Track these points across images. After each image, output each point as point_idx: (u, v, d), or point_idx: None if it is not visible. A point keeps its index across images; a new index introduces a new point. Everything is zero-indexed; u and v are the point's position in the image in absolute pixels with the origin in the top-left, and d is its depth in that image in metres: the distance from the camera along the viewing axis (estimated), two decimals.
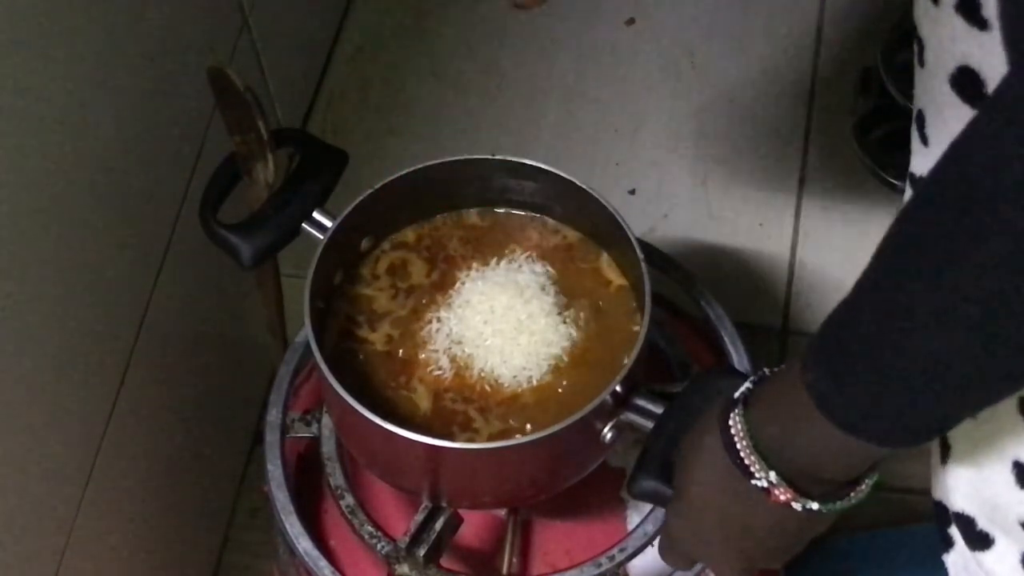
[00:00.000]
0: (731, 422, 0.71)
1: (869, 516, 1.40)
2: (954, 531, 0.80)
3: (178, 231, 1.14)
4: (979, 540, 0.78)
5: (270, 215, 0.95)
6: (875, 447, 0.65)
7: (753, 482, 0.70)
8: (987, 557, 0.78)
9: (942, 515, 0.81)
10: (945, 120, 0.93)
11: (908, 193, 0.99)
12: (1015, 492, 0.73)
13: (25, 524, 0.97)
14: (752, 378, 0.72)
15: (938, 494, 0.81)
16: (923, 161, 0.98)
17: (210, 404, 1.29)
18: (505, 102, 1.61)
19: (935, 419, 0.63)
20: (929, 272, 0.56)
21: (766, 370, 0.73)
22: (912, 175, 0.99)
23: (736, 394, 0.72)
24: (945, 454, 0.78)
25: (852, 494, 0.72)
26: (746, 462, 0.70)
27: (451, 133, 1.57)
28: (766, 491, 0.70)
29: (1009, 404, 0.72)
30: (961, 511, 0.78)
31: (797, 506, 0.71)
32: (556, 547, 1.00)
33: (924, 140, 0.94)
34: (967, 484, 0.77)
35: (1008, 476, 0.73)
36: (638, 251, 0.89)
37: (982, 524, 0.77)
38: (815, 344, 0.64)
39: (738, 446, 0.71)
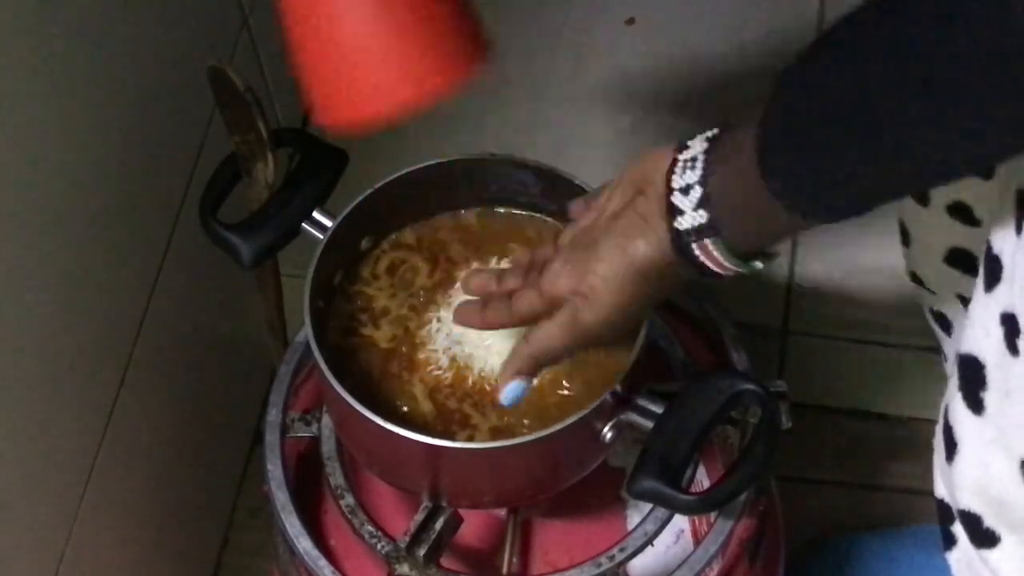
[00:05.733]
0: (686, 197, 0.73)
1: (869, 516, 1.40)
2: (958, 528, 0.80)
3: (178, 231, 1.14)
4: (985, 538, 0.78)
5: (270, 215, 0.95)
6: (802, 223, 0.69)
7: (696, 251, 0.73)
8: (993, 555, 0.78)
9: (945, 513, 0.81)
10: None
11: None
12: (1023, 490, 0.74)
13: (25, 524, 0.97)
14: (696, 193, 0.73)
15: (941, 492, 0.81)
16: None
17: (210, 404, 1.29)
18: (505, 102, 1.61)
19: (868, 199, 0.67)
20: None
21: (706, 149, 0.73)
22: None
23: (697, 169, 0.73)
24: (951, 453, 0.78)
25: (748, 264, 0.75)
26: (717, 266, 0.74)
27: (451, 133, 1.57)
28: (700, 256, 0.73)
29: (1020, 403, 0.72)
30: (967, 509, 0.78)
31: (736, 271, 0.74)
32: (556, 547, 1.00)
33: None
34: (974, 483, 0.77)
35: (1017, 475, 0.73)
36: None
37: (989, 522, 0.77)
38: (774, 144, 0.68)
39: (710, 255, 0.73)
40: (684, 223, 0.73)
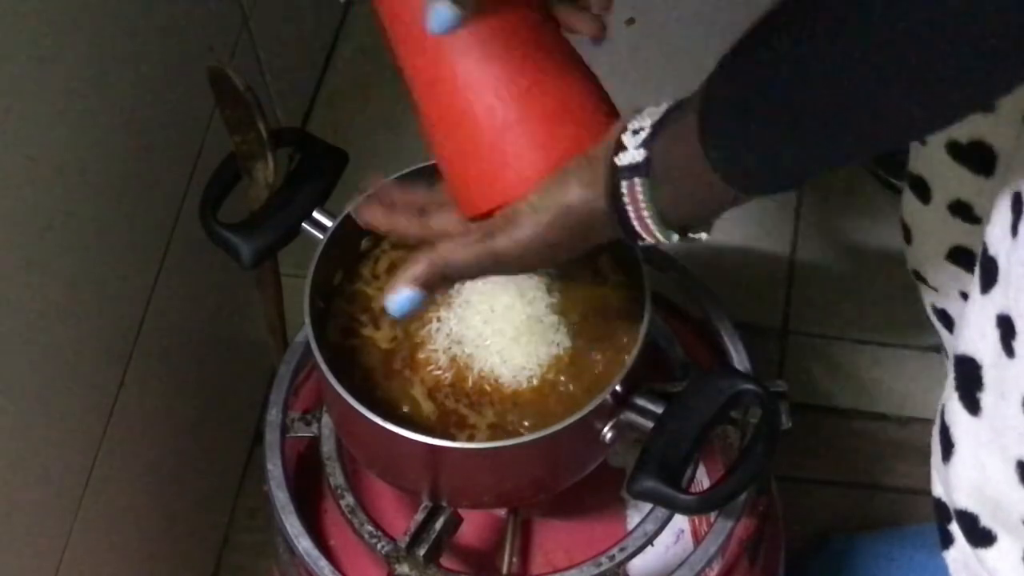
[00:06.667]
0: (631, 183, 0.73)
1: (869, 516, 1.40)
2: (955, 528, 0.80)
3: (178, 231, 1.14)
4: (981, 537, 0.78)
5: (270, 215, 0.95)
6: (742, 196, 0.70)
7: (632, 218, 0.74)
8: (989, 554, 0.78)
9: (942, 512, 0.81)
10: None
11: (907, 193, 0.99)
12: (1019, 491, 0.74)
13: (25, 524, 0.97)
14: (644, 133, 0.73)
15: (938, 492, 0.81)
16: (921, 159, 0.98)
17: (210, 404, 1.29)
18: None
19: (802, 171, 0.69)
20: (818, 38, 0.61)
21: (671, 105, 0.74)
22: (910, 174, 0.99)
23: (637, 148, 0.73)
24: (947, 453, 0.78)
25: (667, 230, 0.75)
26: (639, 222, 0.74)
27: None
28: (633, 221, 0.74)
29: (1015, 404, 0.72)
30: (964, 509, 0.78)
31: (655, 237, 0.74)
32: (556, 547, 1.00)
33: (922, 140, 0.94)
34: (970, 483, 0.77)
35: (1012, 476, 0.73)
36: (638, 251, 0.90)
37: (985, 521, 0.77)
38: (712, 122, 0.69)
39: (636, 204, 0.73)
40: (623, 159, 0.73)
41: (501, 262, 0.78)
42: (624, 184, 0.73)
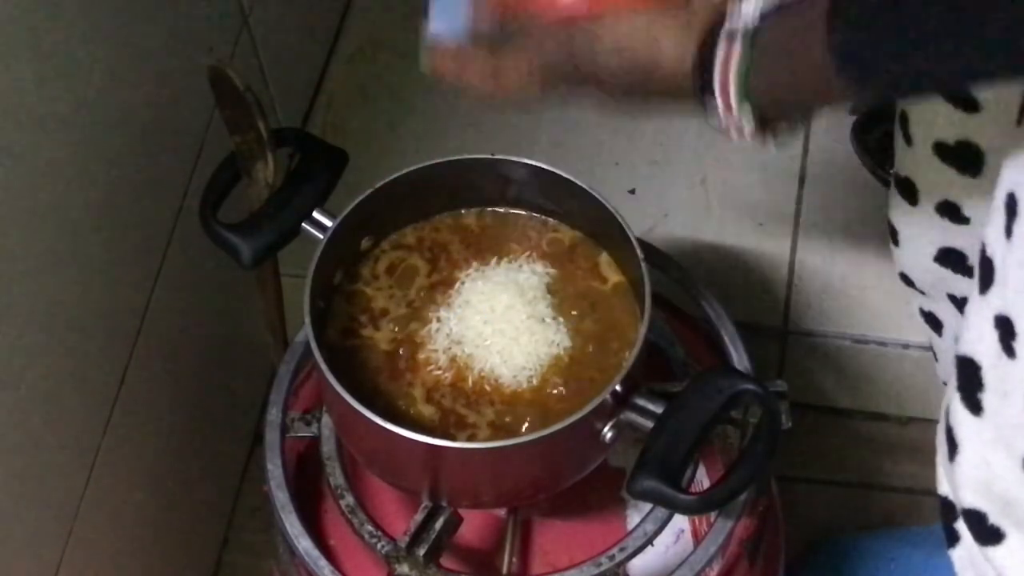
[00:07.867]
0: (727, 47, 0.69)
1: (869, 516, 1.40)
2: (961, 526, 0.80)
3: (178, 231, 1.15)
4: (990, 535, 0.78)
5: (270, 215, 0.95)
6: (842, 94, 0.66)
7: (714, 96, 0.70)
8: (997, 552, 0.78)
9: (948, 510, 0.81)
10: (928, 121, 0.93)
11: (894, 196, 0.99)
12: None
13: (25, 523, 0.97)
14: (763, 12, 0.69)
15: (944, 490, 0.81)
16: (907, 161, 0.98)
17: (210, 404, 1.29)
18: (505, 102, 1.61)
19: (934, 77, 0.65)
20: None
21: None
22: (897, 176, 0.99)
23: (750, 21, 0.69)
24: (953, 451, 0.78)
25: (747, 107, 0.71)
26: (721, 88, 0.70)
27: (451, 133, 1.57)
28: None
29: (1018, 404, 0.72)
30: (971, 507, 0.78)
31: (731, 106, 0.70)
32: (556, 547, 1.00)
33: (908, 139, 0.95)
34: (977, 481, 0.77)
35: (1019, 473, 0.73)
36: (638, 251, 0.90)
37: (993, 519, 0.77)
38: (844, 7, 0.64)
39: (726, 68, 0.70)
40: (735, 20, 0.69)
41: (573, 63, 0.76)
42: (722, 44, 0.69)
